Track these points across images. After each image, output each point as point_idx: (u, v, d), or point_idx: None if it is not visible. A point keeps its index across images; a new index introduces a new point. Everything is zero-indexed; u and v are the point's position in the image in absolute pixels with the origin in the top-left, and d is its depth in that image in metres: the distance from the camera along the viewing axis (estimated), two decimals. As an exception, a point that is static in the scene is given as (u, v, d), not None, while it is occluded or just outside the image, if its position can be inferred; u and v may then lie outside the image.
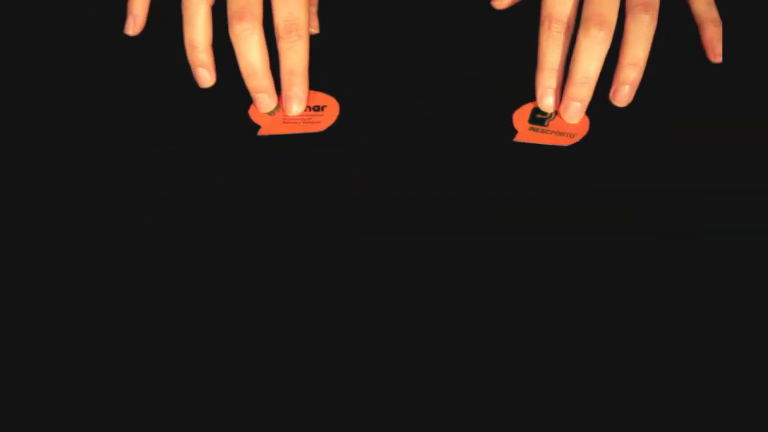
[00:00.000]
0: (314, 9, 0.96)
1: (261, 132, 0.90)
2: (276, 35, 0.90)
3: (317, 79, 0.92)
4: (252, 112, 0.92)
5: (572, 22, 0.91)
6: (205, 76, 0.92)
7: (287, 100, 0.90)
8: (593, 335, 0.80)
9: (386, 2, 0.98)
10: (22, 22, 0.99)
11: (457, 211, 0.86)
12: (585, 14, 0.89)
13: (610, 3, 0.89)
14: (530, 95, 0.92)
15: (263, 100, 0.90)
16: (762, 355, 0.78)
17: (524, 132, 0.90)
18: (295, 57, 0.89)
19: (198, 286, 0.83)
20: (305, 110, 0.91)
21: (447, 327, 0.81)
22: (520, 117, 0.91)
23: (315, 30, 0.95)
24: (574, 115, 0.90)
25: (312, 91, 0.92)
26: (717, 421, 0.76)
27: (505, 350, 0.79)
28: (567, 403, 0.77)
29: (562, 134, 0.90)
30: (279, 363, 0.79)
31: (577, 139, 0.90)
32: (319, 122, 0.91)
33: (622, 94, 0.91)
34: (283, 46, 0.89)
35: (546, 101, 0.91)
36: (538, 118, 0.91)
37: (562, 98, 0.90)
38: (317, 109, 0.92)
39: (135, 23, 0.96)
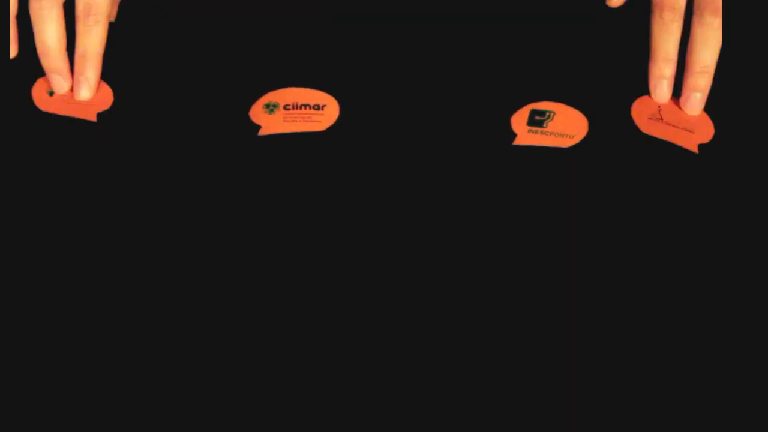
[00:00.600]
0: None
1: (261, 132, 0.90)
2: (75, 17, 0.88)
3: (318, 78, 0.92)
4: (252, 113, 0.91)
5: (683, 9, 0.89)
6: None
7: (77, 84, 0.88)
8: (593, 338, 0.80)
9: (388, 1, 0.98)
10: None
11: (456, 216, 0.86)
12: (699, 1, 0.88)
13: None
14: (527, 98, 0.92)
15: (57, 81, 0.88)
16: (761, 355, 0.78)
17: (523, 135, 0.90)
18: (90, 41, 0.88)
19: (197, 286, 0.82)
20: (305, 109, 0.91)
21: (444, 329, 0.80)
22: (519, 120, 0.91)
23: (113, 18, 0.93)
24: (696, 106, 0.88)
25: (312, 90, 0.92)
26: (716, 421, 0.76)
27: (507, 354, 0.79)
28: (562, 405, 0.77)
29: (562, 135, 0.90)
30: (277, 363, 0.79)
31: (577, 140, 0.90)
32: (320, 121, 0.91)
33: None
34: (80, 28, 0.88)
35: (659, 91, 0.89)
36: (536, 120, 0.91)
37: (683, 90, 0.89)
38: (317, 108, 0.92)
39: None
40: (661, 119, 0.86)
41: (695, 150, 0.85)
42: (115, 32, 0.95)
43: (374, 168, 0.88)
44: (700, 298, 0.81)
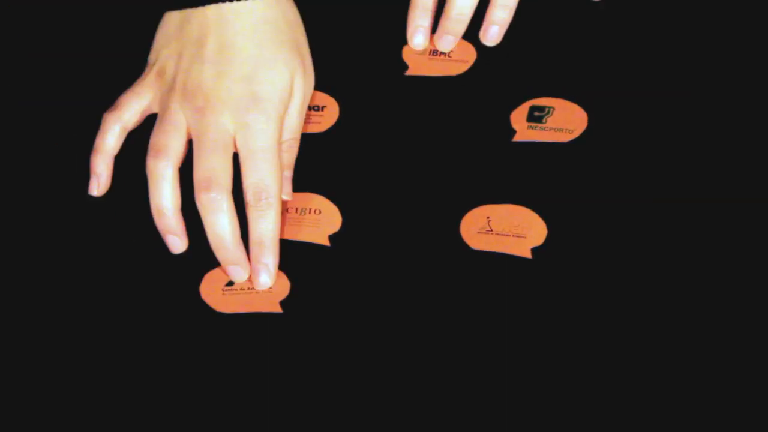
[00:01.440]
0: (288, 174, 0.88)
1: None
2: (245, 202, 0.83)
3: (317, 81, 0.93)
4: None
5: None
6: (176, 242, 0.85)
7: (255, 273, 0.83)
8: (592, 335, 0.80)
9: (387, 3, 0.99)
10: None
11: (457, 213, 0.86)
12: None
13: None
14: (527, 94, 0.92)
15: (236, 272, 0.83)
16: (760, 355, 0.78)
17: (523, 131, 0.91)
18: (265, 227, 0.83)
19: (195, 286, 0.83)
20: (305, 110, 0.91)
21: (442, 324, 0.80)
22: (518, 116, 0.92)
23: (288, 197, 0.87)
24: (449, 45, 0.94)
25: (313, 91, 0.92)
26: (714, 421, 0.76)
27: (510, 350, 0.79)
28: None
29: (561, 130, 0.90)
30: (276, 364, 0.79)
31: (576, 134, 0.90)
32: (320, 123, 0.91)
33: (491, 34, 0.95)
34: (251, 214, 0.83)
35: (416, 40, 0.95)
36: (536, 116, 0.91)
37: (436, 31, 0.95)
38: (317, 109, 0.92)
39: (99, 183, 0.88)
40: (491, 230, 0.85)
41: (528, 256, 0.83)
42: (108, 32, 0.95)
43: (375, 167, 0.89)
44: (703, 297, 0.81)
